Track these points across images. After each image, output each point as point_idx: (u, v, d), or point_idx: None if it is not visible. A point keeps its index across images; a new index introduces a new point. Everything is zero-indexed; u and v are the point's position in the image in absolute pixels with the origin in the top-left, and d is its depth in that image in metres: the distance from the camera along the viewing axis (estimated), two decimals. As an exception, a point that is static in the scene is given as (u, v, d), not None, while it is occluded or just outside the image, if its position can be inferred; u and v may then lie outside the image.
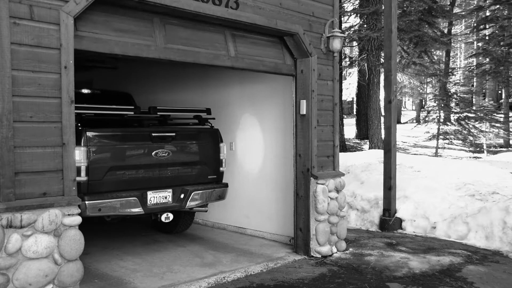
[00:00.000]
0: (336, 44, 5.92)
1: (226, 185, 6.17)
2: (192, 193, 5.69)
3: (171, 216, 5.66)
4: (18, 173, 3.51)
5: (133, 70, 8.88)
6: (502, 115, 21.14)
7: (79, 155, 4.74)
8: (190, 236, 6.95)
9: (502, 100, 24.75)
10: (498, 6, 18.40)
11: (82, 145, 4.80)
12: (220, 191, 6.07)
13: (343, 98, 26.71)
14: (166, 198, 5.55)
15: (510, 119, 21.29)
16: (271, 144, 6.73)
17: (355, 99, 22.60)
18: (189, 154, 5.85)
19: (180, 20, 4.73)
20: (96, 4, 3.98)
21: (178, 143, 5.68)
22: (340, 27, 8.51)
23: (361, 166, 9.29)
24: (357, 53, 19.23)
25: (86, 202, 4.75)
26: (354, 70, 20.86)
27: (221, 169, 6.13)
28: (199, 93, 7.70)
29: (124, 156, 5.22)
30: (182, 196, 5.67)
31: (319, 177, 5.84)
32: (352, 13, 17.42)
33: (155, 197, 5.44)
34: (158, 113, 5.96)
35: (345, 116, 26.06)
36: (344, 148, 17.54)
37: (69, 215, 3.74)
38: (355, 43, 18.99)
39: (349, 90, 27.76)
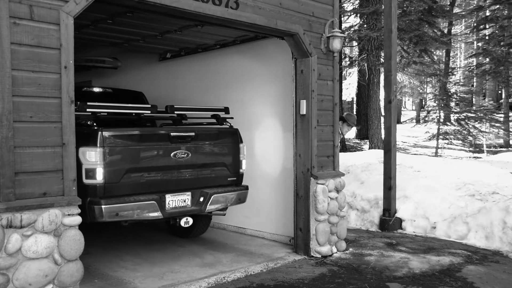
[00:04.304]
0: (336, 44, 5.91)
1: (246, 188, 5.82)
2: (212, 196, 5.36)
3: (190, 220, 5.37)
4: (18, 173, 3.51)
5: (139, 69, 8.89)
6: (502, 115, 21.16)
7: (95, 156, 4.45)
8: (190, 236, 6.95)
9: (502, 100, 24.76)
10: (498, 6, 18.42)
11: (98, 145, 4.46)
12: (240, 194, 5.72)
13: (343, 98, 26.68)
14: (185, 201, 5.24)
15: (510, 119, 21.30)
16: (271, 144, 6.72)
17: (355, 99, 22.58)
18: (208, 155, 5.48)
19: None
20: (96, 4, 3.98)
21: (197, 143, 5.33)
22: (340, 27, 8.47)
23: (361, 166, 9.28)
24: (357, 53, 19.22)
25: (103, 206, 4.44)
26: (354, 70, 20.85)
27: (241, 170, 5.79)
28: (199, 93, 7.69)
29: (142, 157, 4.87)
30: (201, 199, 5.35)
31: (319, 177, 5.84)
32: (352, 13, 17.42)
33: (173, 200, 5.12)
34: (176, 112, 5.64)
35: (345, 116, 25.99)
36: (344, 148, 17.54)
37: (69, 215, 3.74)
38: (355, 43, 19.00)
39: (349, 90, 27.74)
